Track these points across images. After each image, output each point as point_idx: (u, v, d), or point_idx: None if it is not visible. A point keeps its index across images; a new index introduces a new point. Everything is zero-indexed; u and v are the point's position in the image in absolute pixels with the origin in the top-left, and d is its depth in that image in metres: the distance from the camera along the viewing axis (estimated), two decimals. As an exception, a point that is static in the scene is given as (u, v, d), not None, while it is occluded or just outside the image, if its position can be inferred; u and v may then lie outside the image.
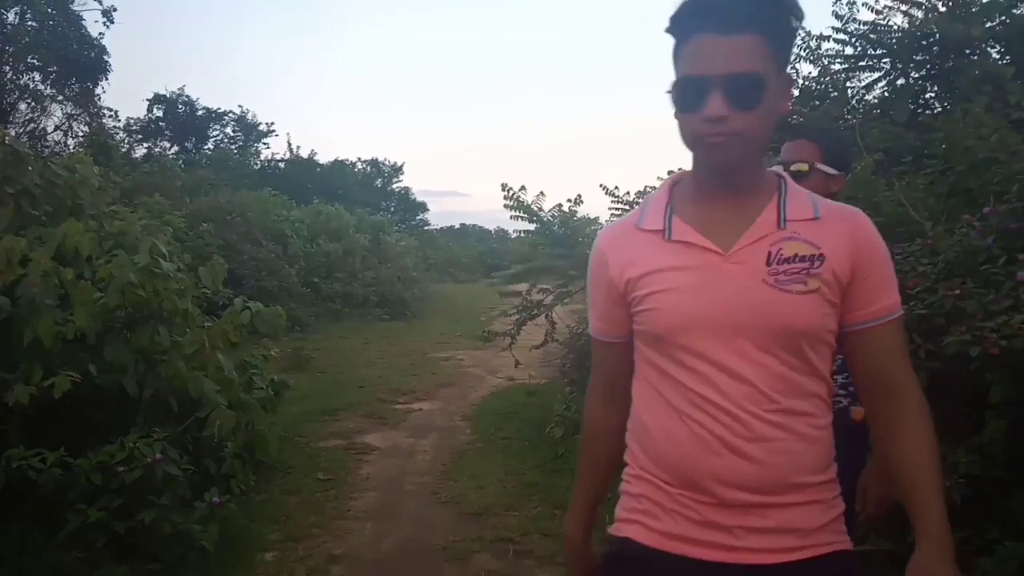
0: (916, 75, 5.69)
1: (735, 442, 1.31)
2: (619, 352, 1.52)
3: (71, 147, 17.55)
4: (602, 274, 1.49)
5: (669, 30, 1.34)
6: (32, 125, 17.90)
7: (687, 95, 1.30)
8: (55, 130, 18.60)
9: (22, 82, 17.76)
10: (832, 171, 2.24)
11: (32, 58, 17.69)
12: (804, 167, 2.23)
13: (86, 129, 18.50)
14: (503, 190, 6.56)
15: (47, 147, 17.26)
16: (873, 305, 1.36)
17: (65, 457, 3.65)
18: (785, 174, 1.43)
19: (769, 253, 1.32)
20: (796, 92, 1.32)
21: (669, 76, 1.37)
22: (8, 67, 17.49)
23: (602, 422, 1.60)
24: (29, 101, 17.71)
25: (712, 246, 1.34)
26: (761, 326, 1.31)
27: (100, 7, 18.84)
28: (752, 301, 1.31)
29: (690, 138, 1.33)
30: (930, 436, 1.37)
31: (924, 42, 5.44)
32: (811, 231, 1.34)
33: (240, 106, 34.77)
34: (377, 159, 39.81)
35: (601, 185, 6.08)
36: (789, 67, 1.29)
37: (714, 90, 1.25)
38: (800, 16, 1.32)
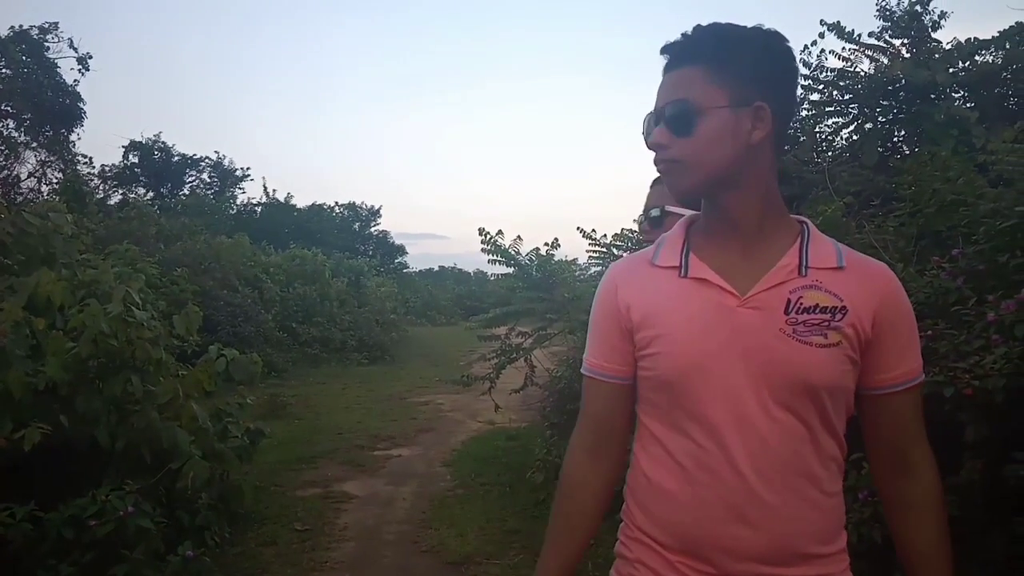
0: (883, 119, 5.83)
1: (743, 508, 1.23)
2: (616, 394, 1.42)
3: (45, 194, 17.44)
4: (610, 304, 1.41)
5: None
6: (5, 172, 17.78)
7: (645, 131, 1.35)
8: (28, 177, 18.51)
9: (-5, 129, 17.69)
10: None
11: (6, 105, 17.64)
12: (656, 211, 2.17)
13: (60, 176, 18.40)
14: (480, 234, 6.58)
15: (20, 194, 17.13)
16: (896, 369, 1.29)
17: (35, 511, 3.57)
18: (808, 220, 1.38)
19: (788, 301, 1.25)
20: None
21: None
22: (-19, 115, 17.45)
23: (583, 476, 1.45)
24: (2, 148, 17.61)
25: (728, 287, 1.28)
26: (777, 378, 1.23)
27: (75, 55, 18.94)
28: (767, 350, 1.24)
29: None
30: (943, 525, 1.33)
31: (891, 87, 5.59)
32: (834, 281, 1.27)
33: (216, 152, 34.96)
34: (354, 203, 39.87)
35: (579, 228, 6.11)
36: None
37: (657, 122, 1.31)
38: (755, 48, 1.29)
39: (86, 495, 3.70)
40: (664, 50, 1.32)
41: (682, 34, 1.31)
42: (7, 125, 18.03)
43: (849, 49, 5.82)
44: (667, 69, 1.32)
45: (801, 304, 1.25)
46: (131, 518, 3.63)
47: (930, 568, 1.31)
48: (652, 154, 1.36)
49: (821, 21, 5.75)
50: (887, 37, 5.81)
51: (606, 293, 1.44)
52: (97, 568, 3.57)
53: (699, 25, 1.30)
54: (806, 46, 5.88)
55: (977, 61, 5.64)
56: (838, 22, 5.71)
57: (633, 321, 1.36)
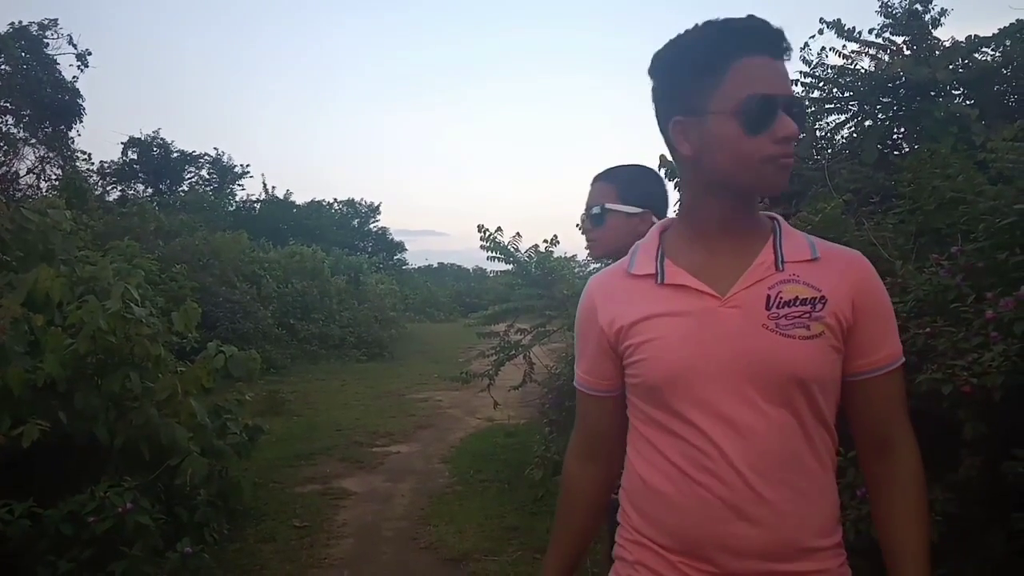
0: (883, 117, 5.82)
1: (742, 506, 1.23)
2: (605, 406, 1.45)
3: (44, 190, 17.41)
4: (591, 323, 1.41)
5: (702, 52, 1.25)
6: (4, 169, 17.74)
7: (759, 115, 1.21)
8: (28, 173, 18.46)
9: (-6, 126, 17.66)
10: (633, 209, 2.12)
11: (5, 102, 17.61)
12: (597, 208, 2.18)
13: (59, 172, 18.39)
14: (480, 231, 6.58)
15: (19, 191, 17.09)
16: (876, 353, 1.29)
17: (34, 508, 3.57)
18: (779, 216, 1.38)
19: (768, 296, 1.25)
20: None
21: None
22: (-20, 111, 17.43)
23: (579, 479, 1.52)
24: (1, 145, 17.58)
25: (708, 289, 1.28)
26: (765, 375, 1.23)
27: (74, 51, 18.92)
28: (753, 347, 1.24)
29: (754, 161, 1.23)
30: (922, 505, 1.32)
31: (890, 85, 5.57)
32: (810, 273, 1.27)
33: (215, 148, 34.92)
34: (353, 199, 39.84)
35: (578, 225, 6.10)
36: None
37: (781, 111, 1.21)
38: None
39: (85, 491, 3.71)
40: (764, 31, 1.23)
41: (764, 21, 1.24)
42: (6, 121, 17.98)
43: (849, 48, 5.81)
44: (775, 54, 1.23)
45: (781, 298, 1.26)
46: (130, 514, 3.63)
47: (905, 547, 1.29)
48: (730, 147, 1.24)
49: (821, 19, 5.74)
50: (888, 34, 5.80)
51: (586, 312, 1.44)
52: (96, 564, 3.57)
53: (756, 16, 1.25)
54: (806, 43, 5.88)
55: (977, 59, 5.63)
56: (838, 20, 5.70)
57: (615, 335, 1.36)
